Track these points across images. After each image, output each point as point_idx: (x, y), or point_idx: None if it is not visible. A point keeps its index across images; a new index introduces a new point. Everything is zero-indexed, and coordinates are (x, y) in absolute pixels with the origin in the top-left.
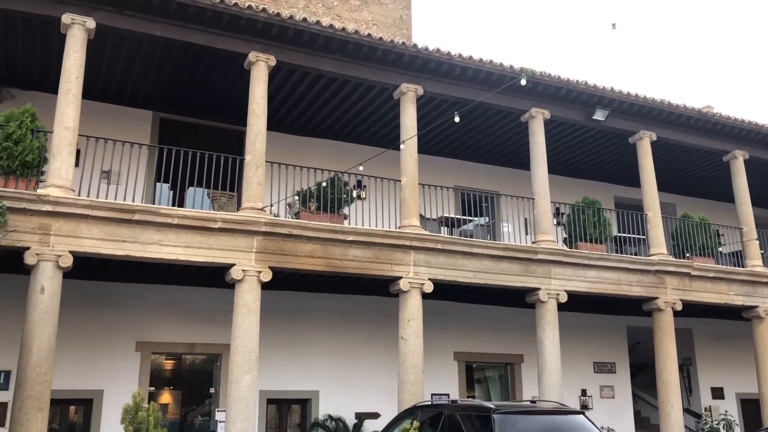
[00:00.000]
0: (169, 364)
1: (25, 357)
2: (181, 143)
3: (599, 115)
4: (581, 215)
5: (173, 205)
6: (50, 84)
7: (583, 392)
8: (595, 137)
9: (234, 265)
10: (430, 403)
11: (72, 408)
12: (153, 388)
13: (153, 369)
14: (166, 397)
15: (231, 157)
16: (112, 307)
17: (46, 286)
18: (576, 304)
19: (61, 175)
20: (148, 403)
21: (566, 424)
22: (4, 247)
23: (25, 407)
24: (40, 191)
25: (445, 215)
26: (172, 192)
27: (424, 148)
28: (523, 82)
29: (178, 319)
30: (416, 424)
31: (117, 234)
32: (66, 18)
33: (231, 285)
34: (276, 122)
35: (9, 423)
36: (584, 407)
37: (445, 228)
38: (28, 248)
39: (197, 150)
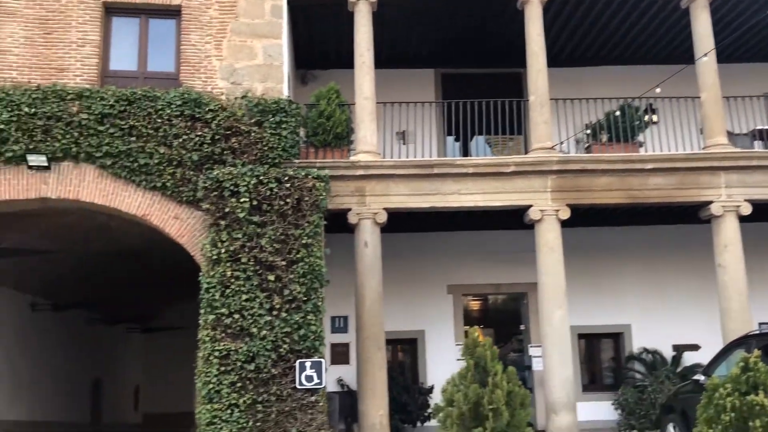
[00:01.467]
0: (478, 305)
1: (359, 304)
2: (463, 95)
3: None
4: None
5: (461, 155)
6: (343, 60)
7: None
8: None
9: (531, 206)
10: (763, 332)
11: (399, 347)
12: (467, 327)
13: (464, 310)
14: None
15: (514, 101)
16: (423, 255)
17: (369, 241)
18: None
19: (367, 141)
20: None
21: None
22: (330, 210)
23: (366, 347)
24: (352, 158)
25: (757, 128)
26: (458, 143)
27: (721, 56)
28: None
29: (483, 262)
30: (757, 353)
31: (420, 188)
32: None
33: (530, 226)
34: (552, 57)
35: (356, 361)
36: None
37: (759, 142)
38: (349, 209)
39: (479, 99)
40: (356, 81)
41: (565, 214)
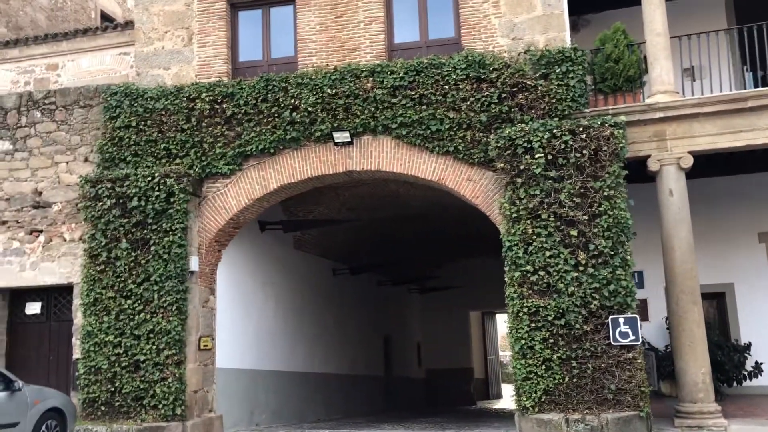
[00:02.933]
0: None
1: (668, 257)
2: (764, 16)
3: None
4: None
5: (755, 86)
6: None
7: None
8: None
9: None
10: None
11: (705, 302)
12: None
13: None
14: None
15: None
16: (729, 201)
17: (673, 189)
18: None
19: (663, 80)
20: None
21: None
22: (627, 158)
23: (681, 302)
24: (648, 101)
25: None
26: (751, 73)
27: None
28: None
29: None
30: None
31: (731, 126)
32: None
33: None
34: None
35: (668, 317)
36: None
37: None
38: (648, 156)
39: None
40: (645, 17)
41: None
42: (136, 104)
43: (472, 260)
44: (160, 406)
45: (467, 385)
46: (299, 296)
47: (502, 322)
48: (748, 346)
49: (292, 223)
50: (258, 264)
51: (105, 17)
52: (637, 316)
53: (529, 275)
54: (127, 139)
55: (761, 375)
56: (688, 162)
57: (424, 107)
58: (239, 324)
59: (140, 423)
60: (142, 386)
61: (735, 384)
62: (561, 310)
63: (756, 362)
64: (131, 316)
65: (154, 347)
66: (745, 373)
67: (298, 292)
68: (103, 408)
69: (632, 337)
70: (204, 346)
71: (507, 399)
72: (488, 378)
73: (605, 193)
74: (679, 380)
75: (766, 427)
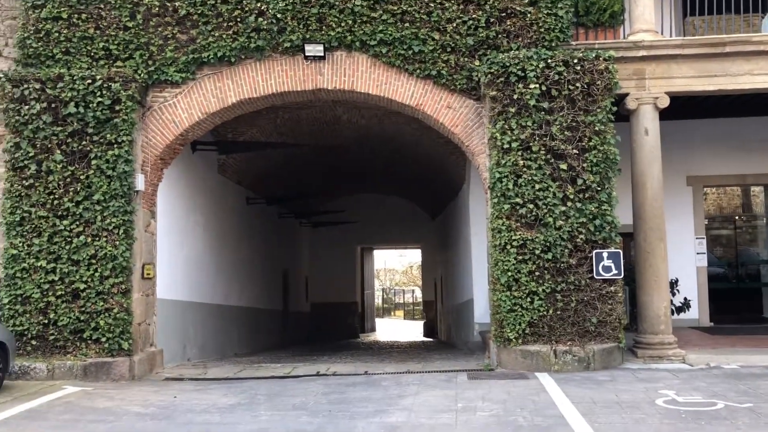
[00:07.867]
0: (720, 197)
1: (639, 194)
2: None
3: None
4: None
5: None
6: None
7: None
8: None
9: None
10: None
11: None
12: (707, 221)
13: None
14: None
15: None
16: (663, 145)
17: (649, 128)
18: None
19: (645, 19)
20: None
21: None
22: None
23: (649, 238)
24: (632, 38)
25: None
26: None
27: None
28: None
29: (728, 152)
30: None
31: (707, 69)
32: None
33: None
34: None
35: (634, 251)
36: None
37: None
38: (626, 94)
39: None
40: None
41: None
42: None
43: (366, 196)
44: (104, 339)
45: (352, 318)
46: (220, 225)
47: (379, 257)
48: (675, 282)
49: (228, 144)
50: (187, 188)
51: None
52: (620, 251)
53: (518, 208)
54: (56, 34)
55: (689, 309)
56: (665, 102)
57: (407, 25)
58: (173, 252)
59: (83, 359)
60: (82, 318)
61: None
62: (548, 244)
63: (685, 298)
64: (68, 239)
65: (97, 274)
66: (674, 307)
67: (219, 220)
68: (33, 342)
69: (615, 271)
70: (147, 274)
71: (381, 332)
72: (364, 312)
73: (596, 128)
74: (641, 313)
75: (719, 354)
